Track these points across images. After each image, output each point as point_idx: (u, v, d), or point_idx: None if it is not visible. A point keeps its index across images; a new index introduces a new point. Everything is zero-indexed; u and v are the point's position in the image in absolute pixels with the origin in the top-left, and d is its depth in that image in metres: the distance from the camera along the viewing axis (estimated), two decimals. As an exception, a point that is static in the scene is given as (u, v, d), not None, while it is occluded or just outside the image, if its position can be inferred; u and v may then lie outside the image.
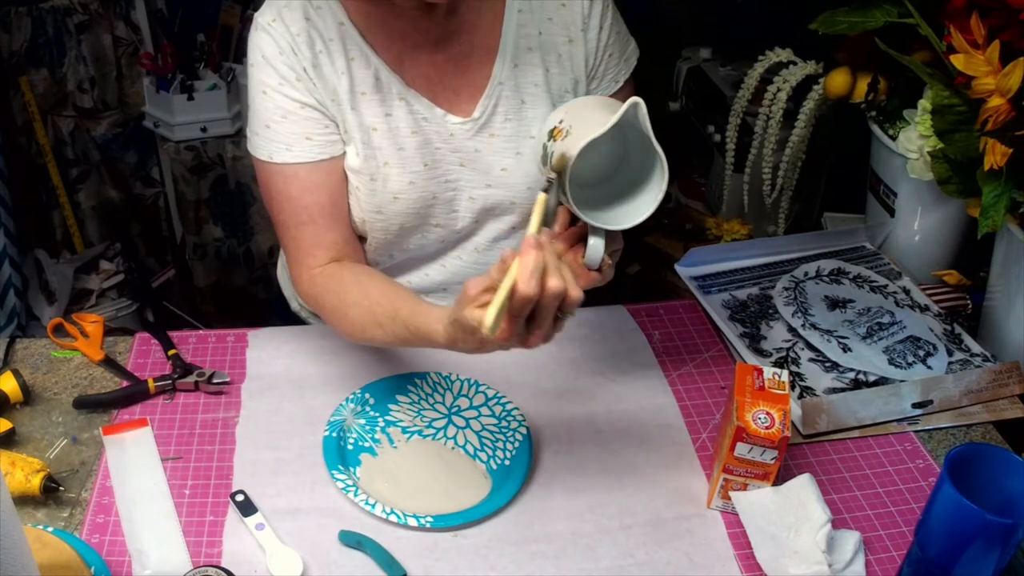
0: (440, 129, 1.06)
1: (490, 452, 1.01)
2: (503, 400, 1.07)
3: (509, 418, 1.05)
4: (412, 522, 0.91)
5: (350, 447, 1.00)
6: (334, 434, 1.00)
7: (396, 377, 1.09)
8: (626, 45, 1.15)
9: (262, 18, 1.02)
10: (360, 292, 1.00)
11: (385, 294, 0.98)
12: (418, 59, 1.05)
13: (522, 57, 1.07)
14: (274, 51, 1.01)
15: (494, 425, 1.04)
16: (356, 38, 1.03)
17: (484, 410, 1.06)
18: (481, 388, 1.08)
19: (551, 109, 1.09)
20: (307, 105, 1.02)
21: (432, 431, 1.03)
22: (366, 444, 1.01)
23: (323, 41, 1.02)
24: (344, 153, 1.05)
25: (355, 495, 0.93)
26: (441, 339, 0.88)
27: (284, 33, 1.01)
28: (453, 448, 1.02)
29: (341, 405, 1.04)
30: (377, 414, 1.05)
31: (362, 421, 1.04)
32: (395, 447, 1.01)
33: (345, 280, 1.03)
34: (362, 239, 1.13)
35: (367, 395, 1.06)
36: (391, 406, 1.06)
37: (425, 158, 1.06)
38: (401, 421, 1.04)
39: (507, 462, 1.00)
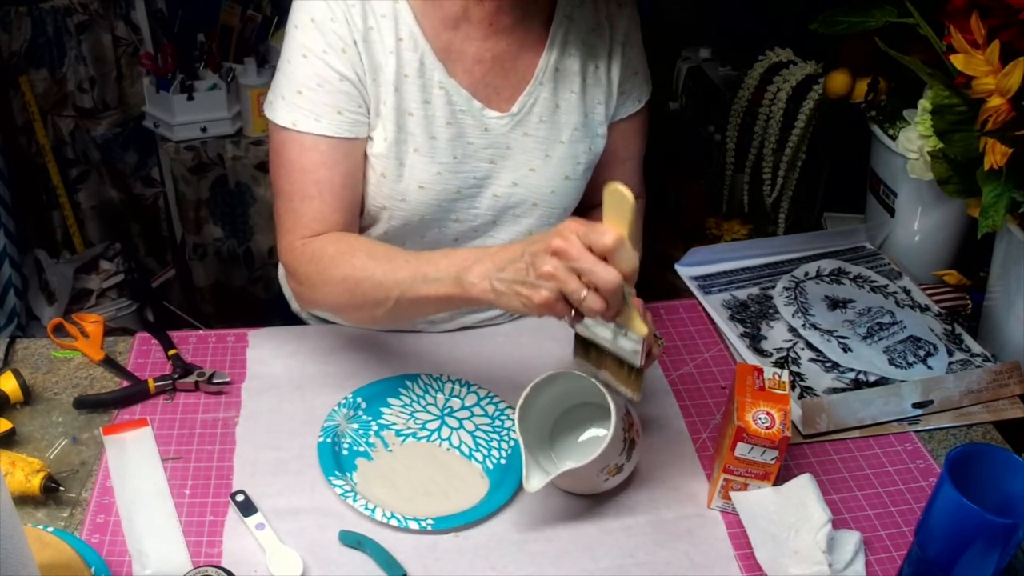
0: (476, 123, 1.06)
1: (485, 452, 1.01)
2: (495, 399, 1.07)
3: (503, 417, 1.05)
4: (413, 525, 0.91)
5: (345, 452, 1.00)
6: (328, 439, 1.00)
7: (386, 380, 1.08)
8: (647, 71, 1.17)
9: None
10: (357, 236, 1.04)
11: (379, 243, 1.03)
12: (465, 51, 1.04)
13: (564, 63, 1.08)
14: (326, 16, 0.99)
15: (488, 424, 1.04)
16: (408, 19, 1.01)
17: (476, 410, 1.06)
18: (473, 388, 1.08)
19: (583, 118, 1.10)
20: (346, 79, 1.00)
21: (426, 433, 1.03)
22: (361, 448, 1.01)
23: (375, 17, 1.00)
24: (367, 138, 1.04)
25: (354, 500, 0.93)
26: (460, 256, 0.89)
27: (340, 1, 0.99)
28: (448, 449, 1.02)
29: (334, 410, 1.04)
30: (370, 418, 1.05)
31: (355, 425, 1.03)
32: (390, 450, 1.01)
33: (347, 237, 1.03)
34: (367, 229, 1.13)
35: (359, 399, 1.05)
36: (383, 409, 1.06)
37: (455, 151, 1.06)
38: (394, 424, 1.04)
39: (503, 461, 1.00)
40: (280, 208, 1.05)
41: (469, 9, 1.03)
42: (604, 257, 0.78)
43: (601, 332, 0.87)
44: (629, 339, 0.85)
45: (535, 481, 0.88)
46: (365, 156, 1.05)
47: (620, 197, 0.78)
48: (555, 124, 1.09)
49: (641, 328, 0.83)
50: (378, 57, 1.01)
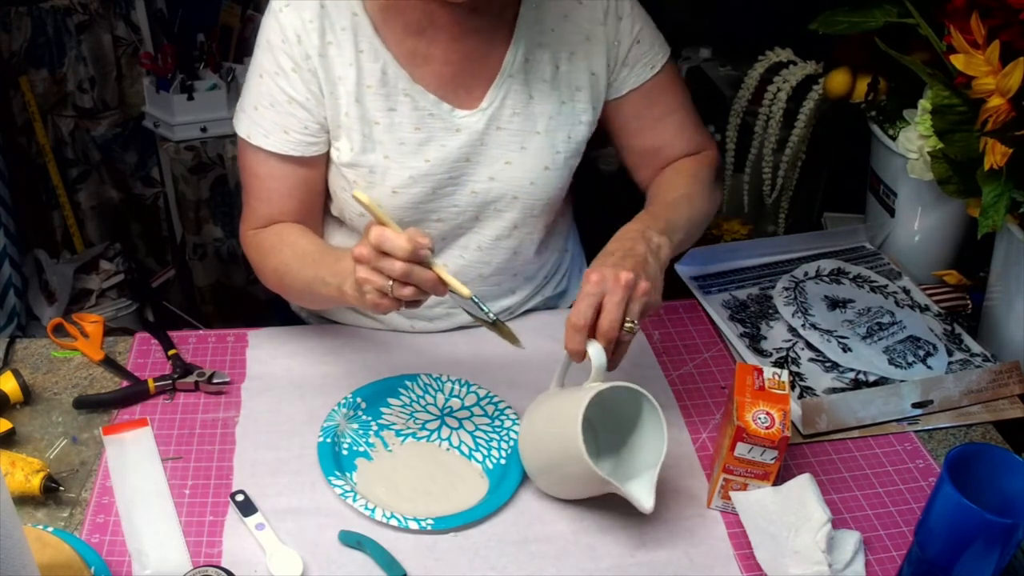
0: (446, 125, 1.06)
1: (485, 452, 1.01)
2: (495, 399, 1.07)
3: (502, 417, 1.05)
4: (413, 525, 0.91)
5: (345, 452, 1.00)
6: (328, 439, 1.00)
7: (386, 380, 1.09)
8: (656, 35, 1.15)
9: (276, 3, 1.03)
10: (291, 229, 1.09)
11: (308, 238, 1.08)
12: (432, 55, 1.05)
13: (533, 52, 1.08)
14: (278, 39, 1.02)
15: (487, 424, 1.04)
16: (368, 30, 1.03)
17: (476, 410, 1.06)
18: (472, 388, 1.08)
19: (558, 106, 1.10)
20: (295, 101, 1.04)
21: (426, 433, 1.03)
22: (360, 449, 1.01)
23: (335, 32, 1.03)
24: (320, 155, 1.08)
25: (354, 500, 0.93)
26: (343, 263, 0.94)
27: (295, 20, 1.01)
28: (448, 449, 1.02)
29: (333, 410, 1.04)
30: (369, 418, 1.05)
31: (355, 426, 1.03)
32: (390, 450, 1.01)
33: (286, 230, 1.10)
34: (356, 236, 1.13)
35: (358, 399, 1.05)
36: (383, 409, 1.06)
37: (427, 154, 1.06)
38: (394, 424, 1.04)
39: (503, 461, 1.00)
40: (243, 199, 1.13)
41: (434, 13, 1.03)
42: (385, 251, 0.85)
43: (463, 305, 0.94)
44: (468, 303, 0.92)
45: (647, 498, 0.87)
46: (326, 166, 1.10)
47: (358, 202, 0.87)
48: (529, 115, 1.09)
49: (462, 290, 0.89)
50: (337, 70, 1.04)
